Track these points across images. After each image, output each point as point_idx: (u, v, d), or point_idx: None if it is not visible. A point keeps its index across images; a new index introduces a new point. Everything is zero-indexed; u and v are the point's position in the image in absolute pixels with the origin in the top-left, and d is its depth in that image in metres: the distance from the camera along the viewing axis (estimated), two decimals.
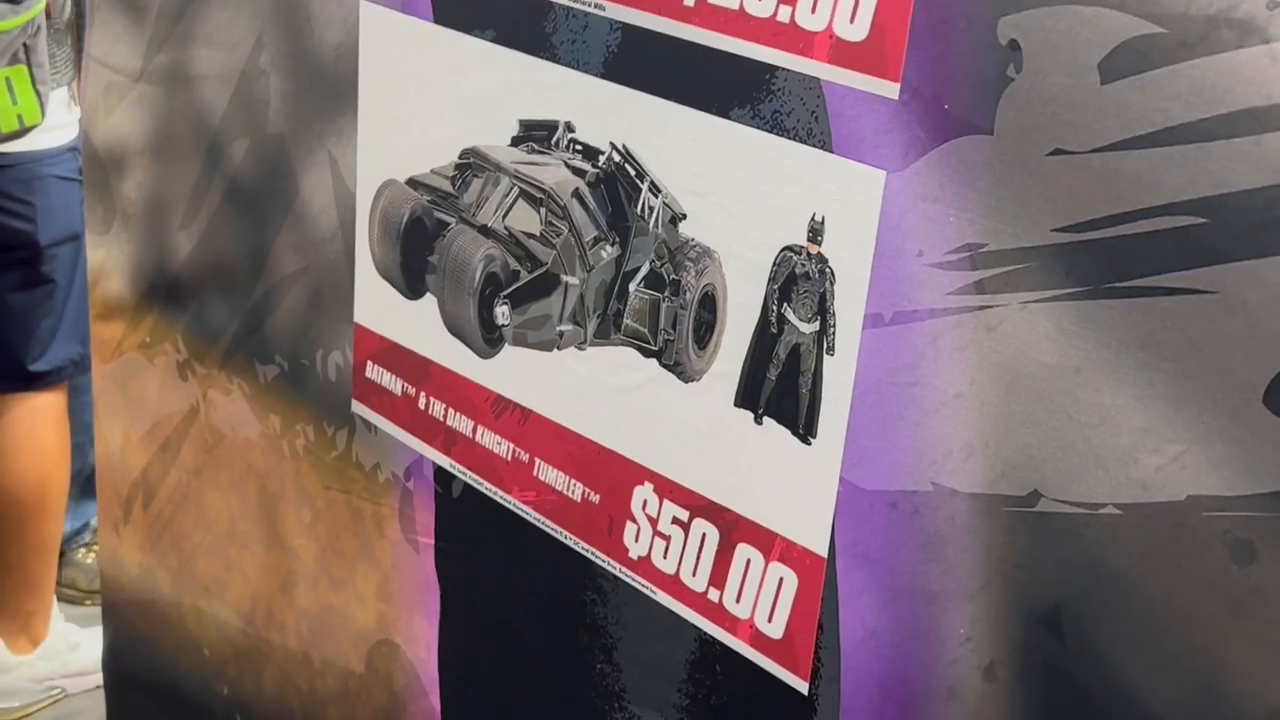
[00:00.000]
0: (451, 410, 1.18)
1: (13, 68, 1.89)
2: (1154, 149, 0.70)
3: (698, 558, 1.01)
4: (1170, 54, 0.69)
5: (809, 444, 0.92)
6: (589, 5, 0.99)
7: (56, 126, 2.09)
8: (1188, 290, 0.71)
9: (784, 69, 0.88)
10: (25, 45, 1.89)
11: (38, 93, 1.95)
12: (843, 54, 0.84)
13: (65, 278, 2.16)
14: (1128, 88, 0.71)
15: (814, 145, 0.88)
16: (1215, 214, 0.69)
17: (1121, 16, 0.70)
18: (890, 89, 0.82)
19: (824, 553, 0.92)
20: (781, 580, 0.95)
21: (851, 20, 0.83)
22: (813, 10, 0.85)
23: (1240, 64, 0.67)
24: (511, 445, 1.14)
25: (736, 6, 0.89)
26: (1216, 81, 0.67)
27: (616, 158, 1.01)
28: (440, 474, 1.21)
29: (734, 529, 0.98)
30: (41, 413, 2.23)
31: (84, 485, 2.50)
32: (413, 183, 1.16)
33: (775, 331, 0.93)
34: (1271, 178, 0.66)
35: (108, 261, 1.53)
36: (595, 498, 1.08)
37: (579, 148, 1.04)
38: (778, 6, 0.87)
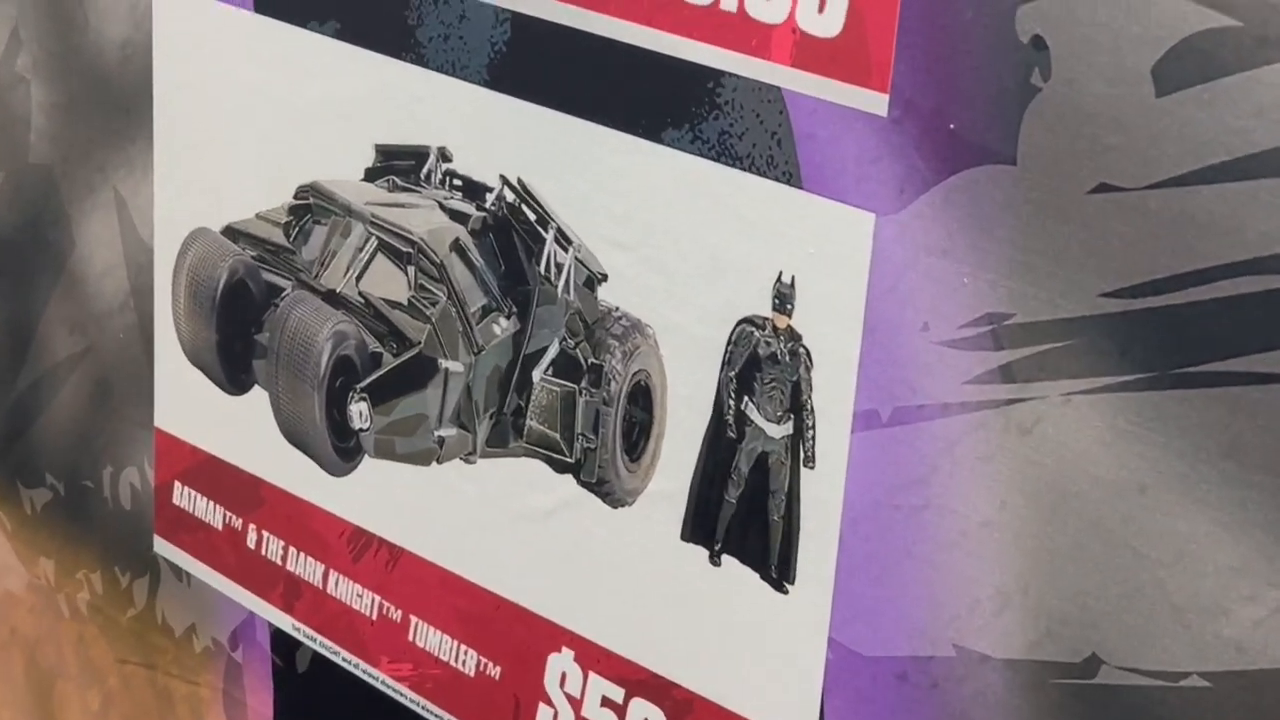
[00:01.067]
0: (293, 549, 1.19)
1: None
2: (1232, 183, 0.73)
3: None
4: (1249, 55, 0.72)
5: (785, 592, 0.94)
6: None
7: None
8: None
9: (732, 74, 0.90)
10: None
11: None
12: (810, 54, 0.87)
13: None
14: (1193, 101, 0.73)
15: (777, 178, 0.90)
16: None
17: (1182, 3, 0.73)
18: (876, 101, 0.84)
19: None
20: None
21: (821, 9, 0.85)
22: None
23: None
24: (377, 598, 1.15)
25: None
26: None
27: (510, 196, 1.03)
28: (280, 640, 1.22)
29: (686, 712, 0.99)
30: None
31: None
32: (231, 232, 1.17)
33: (734, 436, 0.95)
34: None
35: None
36: (495, 671, 1.09)
37: (458, 183, 1.05)
38: None
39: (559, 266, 1.01)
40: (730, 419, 0.95)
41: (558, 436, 1.03)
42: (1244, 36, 0.72)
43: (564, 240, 1.01)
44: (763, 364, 0.93)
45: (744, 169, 0.91)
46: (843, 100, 0.86)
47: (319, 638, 1.18)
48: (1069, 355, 0.80)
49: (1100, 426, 0.79)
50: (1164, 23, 0.74)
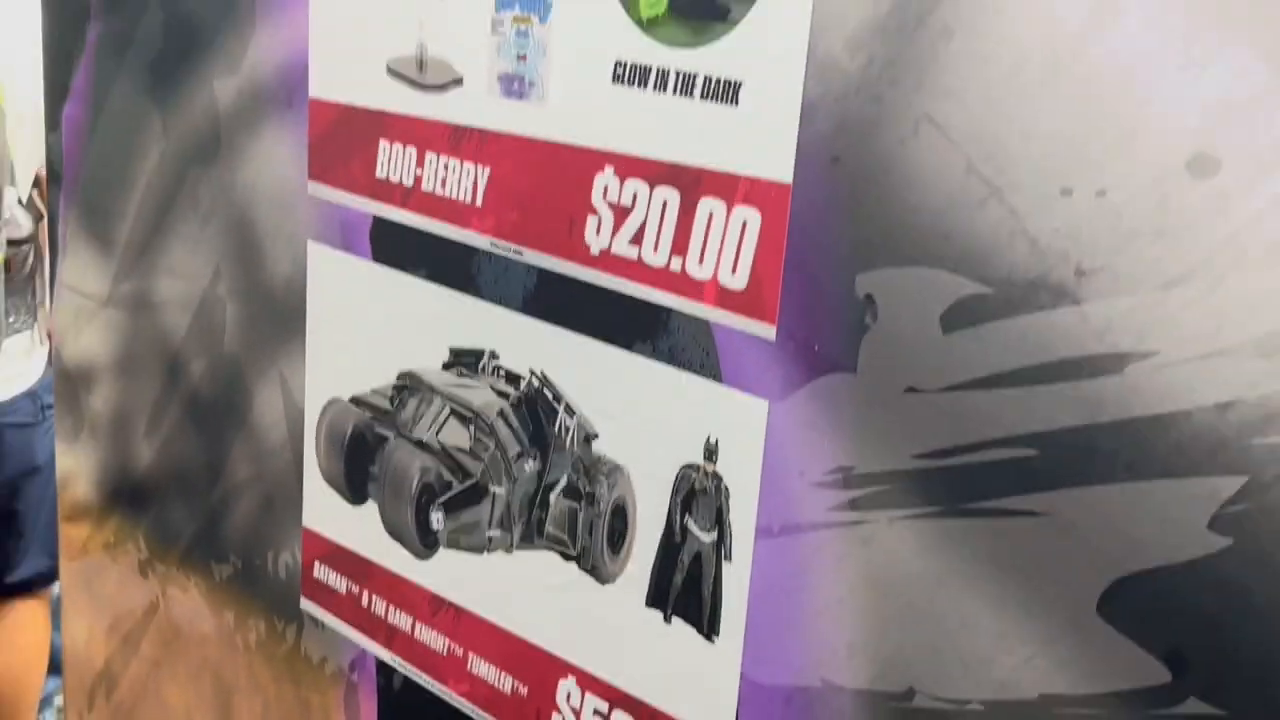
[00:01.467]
0: (392, 607, 1.19)
1: None
2: (991, 390, 0.75)
3: None
4: (998, 310, 0.75)
5: (713, 642, 0.94)
6: (509, 251, 1.02)
7: (15, 376, 2.06)
8: (1026, 513, 0.75)
9: (678, 311, 0.92)
10: None
11: None
12: (727, 300, 0.88)
13: (28, 505, 2.13)
14: (965, 337, 0.76)
15: (706, 377, 0.91)
16: (1045, 447, 0.73)
17: (956, 278, 0.76)
18: (768, 331, 0.86)
19: None
20: None
21: (734, 271, 0.87)
22: (700, 261, 0.89)
23: (1055, 322, 0.73)
24: (447, 640, 1.14)
25: (635, 257, 0.93)
26: (1037, 335, 0.73)
27: (535, 383, 1.03)
28: (382, 667, 1.22)
29: (651, 718, 1.00)
30: (18, 616, 2.22)
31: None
32: (355, 401, 1.18)
33: (679, 540, 0.95)
34: (1088, 418, 0.72)
35: (76, 468, 1.54)
36: (524, 690, 1.09)
37: (503, 373, 1.05)
38: (670, 257, 0.91)
39: (567, 428, 1.01)
40: (677, 529, 0.95)
41: (566, 537, 1.03)
42: (996, 299, 0.75)
43: (570, 411, 1.01)
44: (698, 494, 0.93)
45: (685, 370, 0.92)
46: (748, 329, 0.87)
47: (408, 666, 1.19)
48: (893, 494, 0.81)
49: (913, 541, 0.80)
50: (946, 288, 0.77)
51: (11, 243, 1.93)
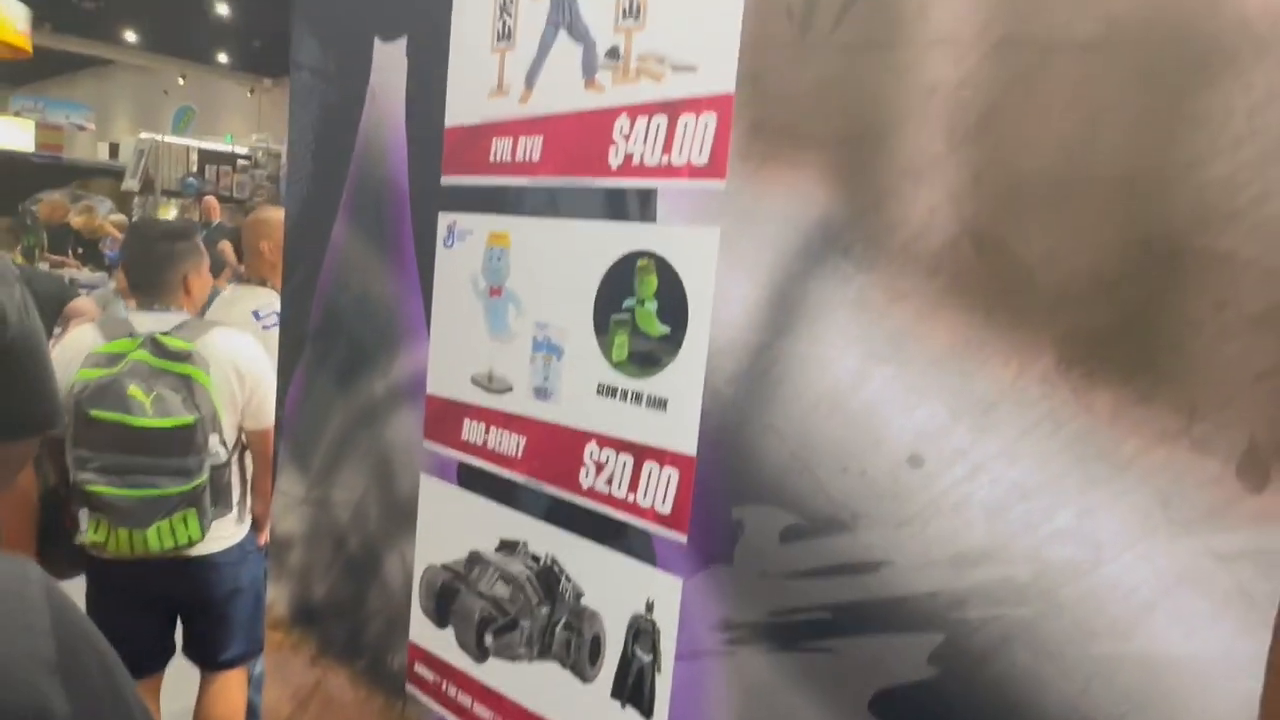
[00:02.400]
0: (461, 692, 1.15)
1: (188, 510, 1.81)
2: (807, 578, 0.77)
3: None
4: (810, 533, 0.77)
5: (650, 718, 0.94)
6: (536, 485, 1.02)
7: (226, 537, 1.99)
8: (827, 650, 0.75)
9: (631, 525, 0.92)
10: (195, 498, 1.83)
11: (201, 524, 1.85)
12: (660, 520, 0.89)
13: (234, 611, 2.06)
14: (793, 547, 0.77)
15: (647, 563, 0.91)
16: (835, 612, 0.75)
17: (787, 513, 0.79)
18: (682, 538, 0.87)
19: None
20: None
21: (663, 503, 0.88)
22: (645, 496, 0.90)
23: (840, 542, 0.75)
24: (493, 714, 1.11)
25: (608, 493, 0.94)
26: (831, 549, 0.75)
27: (549, 562, 1.02)
28: None
29: None
30: (228, 682, 2.13)
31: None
32: (443, 567, 1.17)
33: (630, 658, 0.94)
34: (860, 597, 0.73)
35: (278, 597, 1.51)
36: None
37: (530, 554, 1.05)
38: (628, 493, 0.92)
39: (566, 589, 1.00)
40: (629, 652, 0.93)
41: (564, 655, 1.01)
42: (807, 527, 0.77)
43: (568, 579, 1.00)
44: (642, 631, 0.92)
45: (635, 558, 0.92)
46: (671, 537, 0.87)
47: None
48: (754, 636, 0.81)
49: (765, 664, 0.80)
50: (782, 519, 0.79)
51: (214, 467, 1.88)
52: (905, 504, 0.71)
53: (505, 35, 1.05)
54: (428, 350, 1.18)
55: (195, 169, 9.94)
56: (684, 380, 0.87)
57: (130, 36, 16.95)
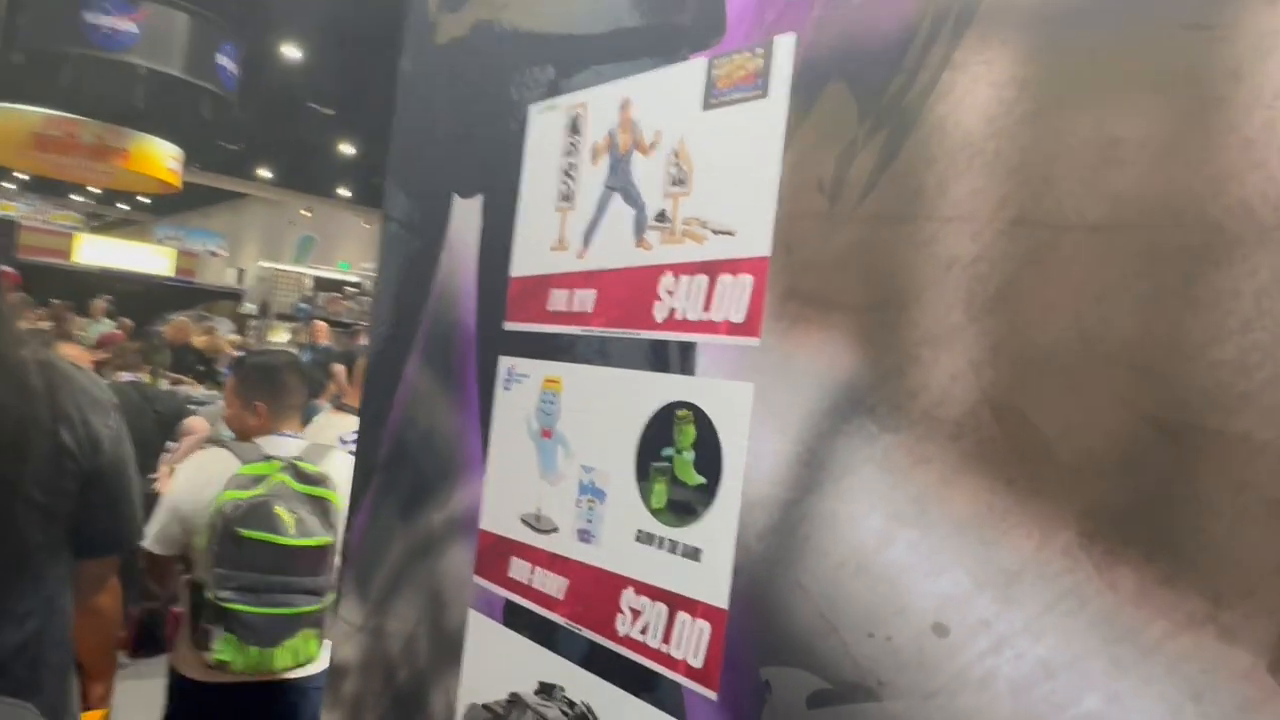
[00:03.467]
0: None
1: (311, 630, 1.87)
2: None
3: None
4: (837, 699, 0.75)
5: None
6: (575, 628, 1.03)
7: (322, 660, 1.97)
8: None
9: (664, 676, 0.91)
10: (320, 618, 1.86)
11: (319, 645, 1.90)
12: (692, 674, 0.88)
13: None
14: (819, 712, 0.76)
15: (679, 719, 0.90)
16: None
17: (813, 676, 0.77)
18: (713, 694, 0.86)
19: None
20: None
21: (695, 657, 0.87)
22: (678, 648, 0.89)
23: (868, 709, 0.73)
24: None
25: (642, 641, 0.93)
26: (861, 715, 0.74)
27: (582, 708, 1.01)
28: None
29: None
30: None
31: None
32: (484, 706, 1.16)
33: None
34: None
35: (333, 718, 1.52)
36: None
37: (565, 699, 1.04)
38: (661, 644, 0.91)
39: (584, 716, 1.00)
40: None
41: None
42: (833, 692, 0.75)
43: (592, 714, 1.01)
44: None
45: (671, 716, 0.90)
46: (702, 692, 0.86)
47: None
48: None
49: None
50: (809, 682, 0.77)
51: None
52: (931, 675, 0.69)
53: (567, 197, 1.13)
54: (483, 486, 1.22)
55: (309, 294, 10.63)
56: (718, 532, 0.88)
57: (264, 173, 18.59)
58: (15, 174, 18.14)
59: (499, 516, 1.18)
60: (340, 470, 1.96)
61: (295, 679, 1.96)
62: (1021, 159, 0.68)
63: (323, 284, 11.00)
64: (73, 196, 22.41)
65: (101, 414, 1.27)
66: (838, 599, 0.76)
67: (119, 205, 25.08)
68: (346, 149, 15.30)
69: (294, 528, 1.84)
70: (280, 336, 9.66)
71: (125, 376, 3.82)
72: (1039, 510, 0.65)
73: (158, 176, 13.44)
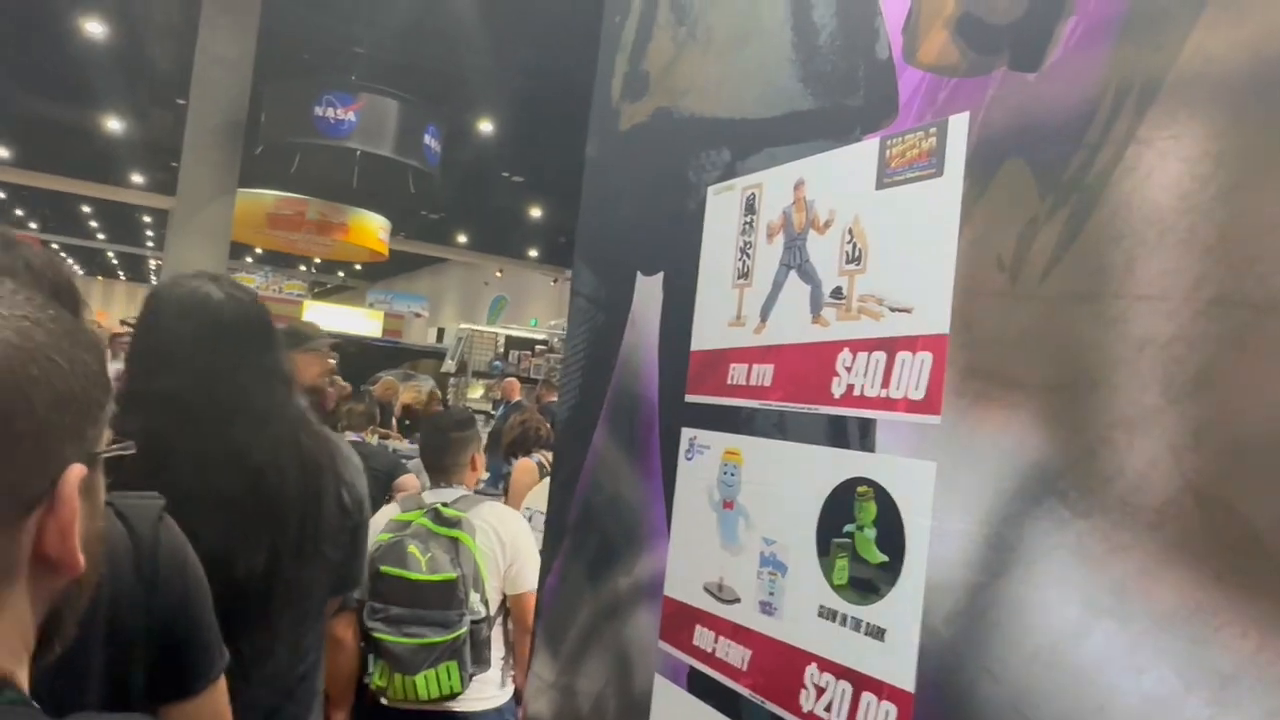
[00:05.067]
0: None
1: (450, 661, 2.01)
2: None
3: None
4: None
5: None
6: (760, 701, 1.03)
7: (488, 699, 2.14)
8: None
9: None
10: (456, 649, 2.02)
11: (462, 677, 2.03)
12: None
13: None
14: None
15: None
16: None
17: None
18: None
19: None
20: None
21: None
22: None
23: None
24: None
25: (825, 717, 0.96)
26: None
27: None
28: None
29: None
30: None
31: None
32: None
33: None
34: None
35: None
36: None
37: None
38: None
39: None
40: None
41: None
42: None
43: None
44: None
45: None
46: None
47: None
48: None
49: None
50: None
51: (473, 622, 2.09)
52: None
53: (744, 274, 1.17)
54: (667, 554, 1.26)
55: (501, 352, 11.29)
56: (902, 612, 0.87)
57: (462, 239, 20.02)
58: (253, 249, 20.56)
59: (683, 584, 1.22)
60: (487, 517, 2.19)
61: (464, 711, 2.11)
62: (1219, 236, 0.66)
63: (514, 342, 11.64)
64: (300, 267, 25.07)
65: (360, 475, 1.52)
66: (1031, 691, 0.74)
67: (338, 274, 27.79)
68: (535, 212, 16.21)
69: (425, 565, 2.05)
70: (478, 393, 10.27)
71: (351, 437, 4.19)
72: (1255, 610, 0.61)
73: (370, 246, 14.83)
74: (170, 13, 9.71)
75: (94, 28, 10.61)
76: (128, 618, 0.87)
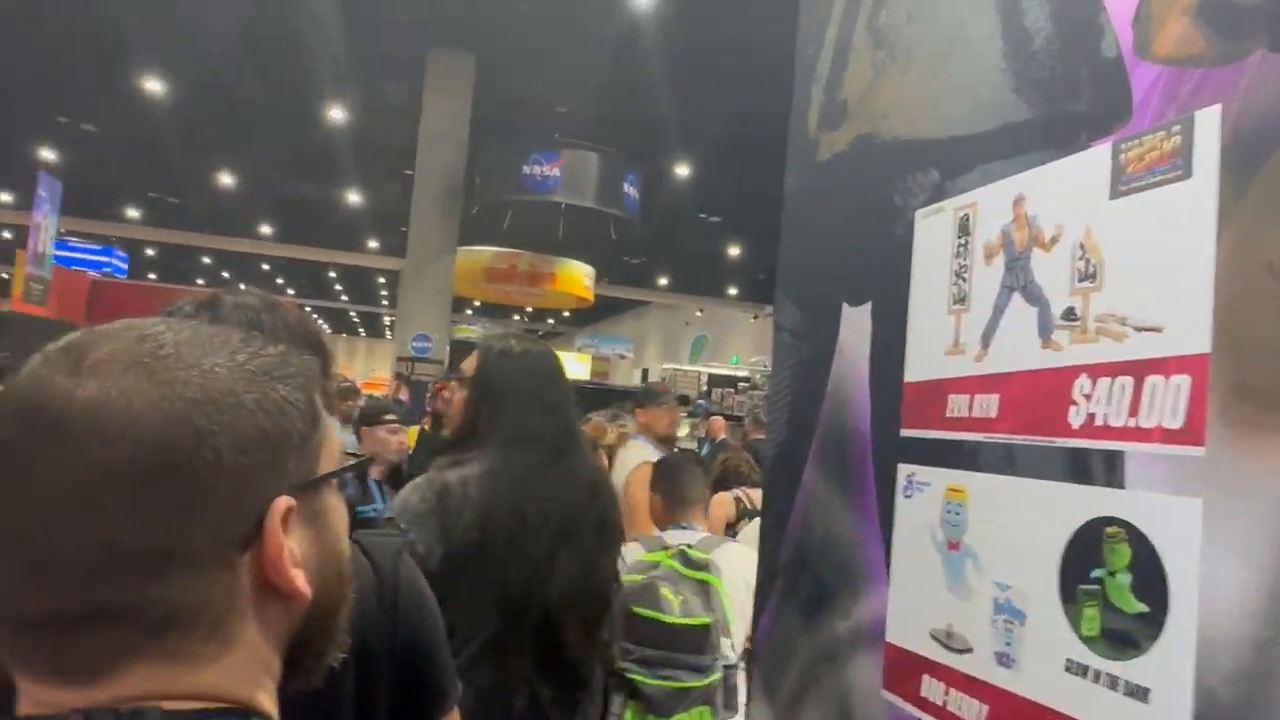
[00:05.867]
0: None
1: (703, 706, 1.97)
2: None
3: None
4: None
5: None
6: None
7: None
8: None
9: None
10: (710, 695, 1.97)
11: (715, 718, 2.01)
12: None
13: None
14: None
15: None
16: None
17: None
18: None
19: None
20: None
21: None
22: None
23: None
24: None
25: None
26: None
27: None
28: None
29: None
30: None
31: None
32: None
33: None
34: None
35: None
36: None
37: None
38: None
39: None
40: None
41: None
42: None
43: None
44: None
45: None
46: None
47: None
48: None
49: None
50: None
51: (725, 667, 2.05)
52: None
53: (960, 299, 1.11)
54: (887, 597, 1.19)
55: (705, 390, 11.37)
56: (1170, 670, 0.77)
57: (663, 281, 20.52)
58: (472, 302, 22.14)
59: (906, 630, 1.15)
60: (731, 560, 2.11)
61: None
62: None
63: (716, 380, 11.71)
64: (513, 316, 26.66)
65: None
66: None
67: (547, 320, 29.31)
68: (733, 251, 16.33)
69: (678, 608, 2.02)
70: (682, 431, 10.39)
71: None
72: None
73: (576, 293, 15.54)
74: (397, 96, 10.79)
75: (335, 114, 11.97)
76: (374, 646, 0.92)
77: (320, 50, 9.53)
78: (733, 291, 19.55)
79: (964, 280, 1.11)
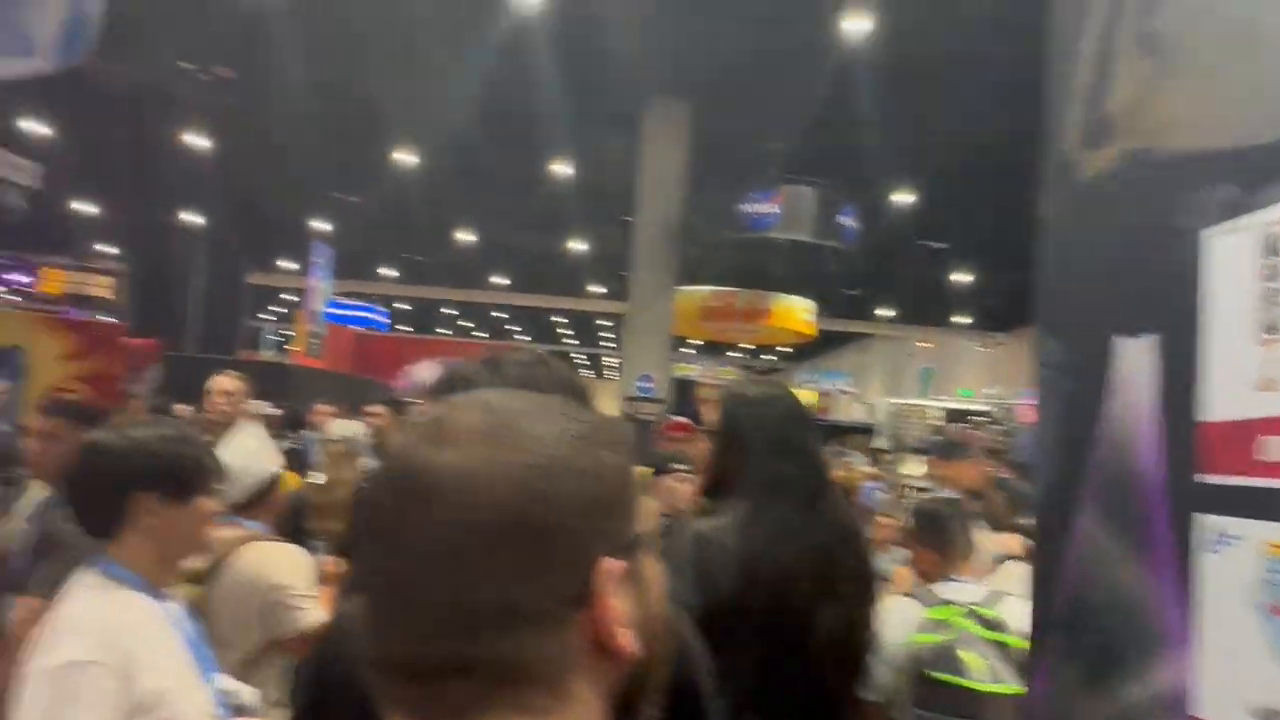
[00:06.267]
0: None
1: None
2: None
3: None
4: None
5: None
6: None
7: None
8: None
9: None
10: None
11: None
12: None
13: None
14: None
15: None
16: None
17: None
18: None
19: None
20: None
21: None
22: None
23: None
24: None
25: None
26: None
27: None
28: None
29: None
30: None
31: None
32: None
33: None
34: None
35: None
36: None
37: None
38: None
39: None
40: None
41: None
42: None
43: None
44: None
45: None
46: None
47: None
48: None
49: None
50: None
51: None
52: None
53: (1271, 327, 0.98)
54: (1193, 666, 1.06)
55: (940, 425, 10.80)
56: None
57: (883, 312, 19.89)
58: (689, 341, 22.54)
59: (1219, 705, 1.02)
60: (1016, 616, 1.95)
61: None
62: None
63: (951, 414, 11.10)
64: (730, 354, 26.85)
65: None
66: None
67: (765, 357, 29.22)
68: (960, 278, 15.54)
69: (986, 674, 1.87)
70: (911, 468, 9.95)
71: None
72: None
73: (795, 329, 15.38)
74: (616, 146, 11.32)
75: (560, 169, 12.75)
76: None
77: (546, 114, 10.24)
78: (960, 320, 18.55)
79: (1275, 306, 0.98)
